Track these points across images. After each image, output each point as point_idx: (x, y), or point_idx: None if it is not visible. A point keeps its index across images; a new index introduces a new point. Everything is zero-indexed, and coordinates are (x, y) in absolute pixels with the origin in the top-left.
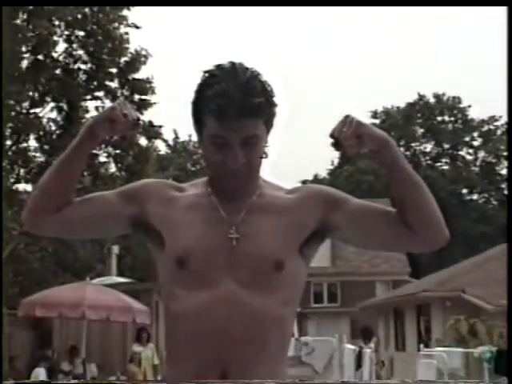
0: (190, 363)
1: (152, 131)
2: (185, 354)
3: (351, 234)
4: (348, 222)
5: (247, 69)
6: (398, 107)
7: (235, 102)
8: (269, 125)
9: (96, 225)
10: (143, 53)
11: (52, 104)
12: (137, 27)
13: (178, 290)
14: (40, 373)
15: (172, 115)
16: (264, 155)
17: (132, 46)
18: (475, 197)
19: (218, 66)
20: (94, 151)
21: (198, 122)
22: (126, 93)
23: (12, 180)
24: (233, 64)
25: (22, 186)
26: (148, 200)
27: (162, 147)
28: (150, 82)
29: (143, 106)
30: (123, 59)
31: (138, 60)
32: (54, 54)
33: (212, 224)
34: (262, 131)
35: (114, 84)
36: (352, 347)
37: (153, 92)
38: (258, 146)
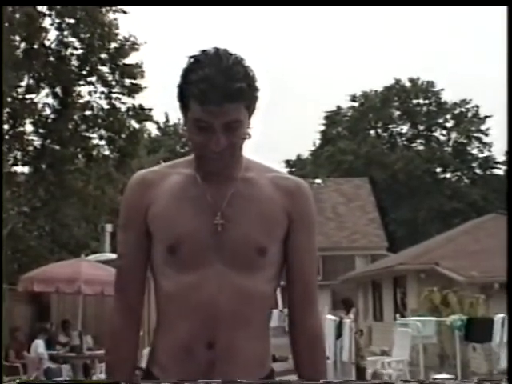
0: (178, 335)
1: (142, 114)
2: (173, 326)
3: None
4: (289, 245)
5: (231, 54)
6: (375, 91)
7: (217, 87)
8: (251, 109)
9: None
10: (132, 39)
11: (47, 89)
12: (124, 12)
13: (169, 271)
14: (39, 344)
15: (163, 99)
16: (247, 136)
17: (122, 32)
18: (448, 175)
19: (203, 52)
20: (87, 134)
21: (183, 106)
22: (117, 77)
23: (10, 162)
24: (217, 49)
25: (19, 169)
26: (141, 213)
27: (153, 130)
28: (140, 67)
29: (134, 90)
30: (113, 45)
31: (127, 46)
32: (47, 42)
33: (199, 211)
34: (245, 115)
35: (105, 69)
36: (333, 318)
37: (142, 76)
38: (240, 130)
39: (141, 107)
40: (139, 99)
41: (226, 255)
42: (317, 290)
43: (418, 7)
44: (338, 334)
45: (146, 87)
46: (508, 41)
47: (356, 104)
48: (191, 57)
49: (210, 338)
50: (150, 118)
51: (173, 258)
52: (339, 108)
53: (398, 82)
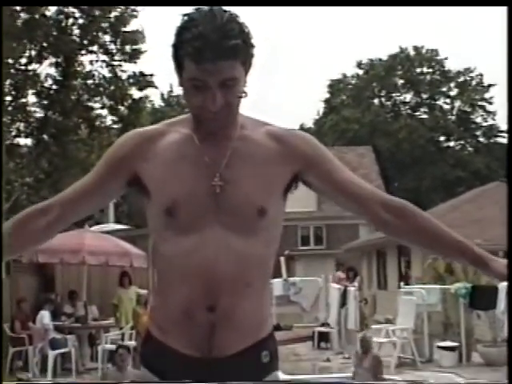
0: (179, 299)
1: (143, 81)
2: (173, 290)
3: (320, 192)
4: (318, 185)
5: (225, 11)
6: (380, 59)
7: (212, 45)
8: (247, 66)
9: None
10: (132, 7)
11: (49, 60)
12: None
13: (167, 234)
14: (44, 315)
15: (167, 69)
16: (243, 95)
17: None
18: (452, 144)
19: (197, 10)
20: (90, 104)
21: (177, 65)
22: (119, 45)
23: (13, 134)
24: (211, 7)
25: (22, 140)
26: (134, 162)
27: (156, 100)
28: (141, 33)
29: (135, 55)
30: (113, 13)
31: (127, 14)
32: (47, 13)
33: (197, 172)
34: (240, 73)
35: (106, 37)
36: (337, 286)
37: (143, 42)
38: (236, 88)
39: (142, 74)
40: (141, 67)
41: (224, 217)
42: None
43: None
44: (343, 303)
45: (146, 51)
46: (508, 41)
47: (360, 72)
48: (185, 15)
49: (210, 301)
50: (151, 84)
51: (170, 221)
52: (345, 76)
53: (402, 50)
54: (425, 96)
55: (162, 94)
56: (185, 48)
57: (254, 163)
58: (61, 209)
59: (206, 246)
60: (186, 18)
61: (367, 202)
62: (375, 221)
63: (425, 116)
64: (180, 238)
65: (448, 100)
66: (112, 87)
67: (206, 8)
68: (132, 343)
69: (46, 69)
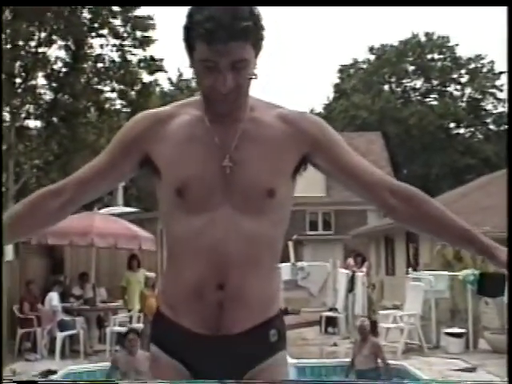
0: (189, 277)
1: (153, 65)
2: (184, 269)
3: (328, 175)
4: (327, 168)
5: None
6: (392, 45)
7: (223, 26)
8: (257, 48)
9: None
10: None
11: (59, 43)
12: None
13: (178, 215)
14: (53, 297)
15: (176, 53)
16: (253, 77)
17: None
18: (462, 131)
19: None
20: (99, 87)
21: (188, 47)
22: (129, 30)
23: (22, 116)
24: None
25: (32, 123)
26: (145, 143)
27: (165, 85)
28: (152, 19)
29: (145, 42)
30: None
31: None
32: None
33: (207, 153)
34: (251, 55)
35: (117, 22)
36: (345, 271)
37: (154, 29)
38: (246, 70)
39: (152, 58)
40: (151, 52)
41: (234, 198)
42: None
43: None
44: (350, 288)
45: (157, 39)
46: (508, 41)
47: (372, 57)
48: None
49: (219, 280)
50: (161, 69)
51: (181, 201)
52: (356, 61)
53: (414, 36)
54: (435, 82)
55: (170, 79)
56: (196, 29)
57: (264, 145)
58: (73, 190)
59: (216, 226)
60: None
61: (375, 187)
62: (383, 206)
63: (435, 103)
64: (190, 218)
65: (458, 87)
66: (122, 71)
67: None
68: (140, 326)
69: (56, 51)
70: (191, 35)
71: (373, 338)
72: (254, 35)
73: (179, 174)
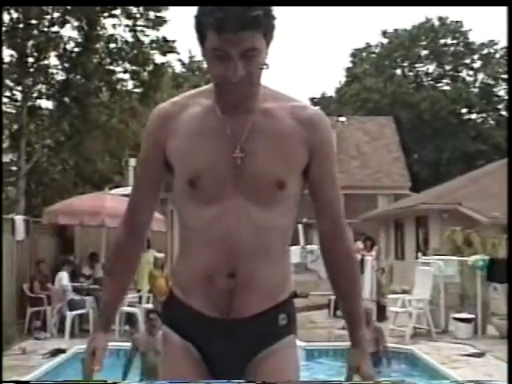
0: (201, 265)
1: (166, 46)
2: (196, 258)
3: (304, 180)
4: (309, 177)
5: None
6: (404, 29)
7: (234, 15)
8: (268, 37)
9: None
10: None
11: (72, 23)
12: None
13: (190, 203)
14: (63, 276)
15: (189, 35)
16: (264, 66)
17: None
18: (473, 116)
19: None
20: (111, 67)
21: (200, 36)
22: (141, 10)
23: (34, 95)
24: None
25: (43, 103)
26: (164, 142)
27: (177, 66)
28: None
29: (158, 23)
30: None
31: None
32: None
33: (219, 144)
34: (261, 44)
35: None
36: None
37: (167, 9)
38: (257, 59)
39: (164, 39)
40: (163, 33)
41: (245, 188)
42: (344, 216)
43: None
44: (360, 272)
45: (169, 20)
46: (508, 41)
47: (385, 41)
48: None
49: (230, 269)
50: (173, 50)
51: (193, 192)
52: (368, 45)
53: (428, 20)
54: (448, 67)
55: (181, 60)
56: (207, 18)
57: (275, 138)
58: (144, 224)
59: (227, 216)
60: None
61: (323, 219)
62: (320, 231)
63: (447, 88)
64: (202, 208)
65: (471, 72)
66: (134, 51)
67: None
68: (149, 306)
69: (69, 31)
70: (202, 24)
71: (376, 322)
72: (264, 24)
73: (191, 166)
